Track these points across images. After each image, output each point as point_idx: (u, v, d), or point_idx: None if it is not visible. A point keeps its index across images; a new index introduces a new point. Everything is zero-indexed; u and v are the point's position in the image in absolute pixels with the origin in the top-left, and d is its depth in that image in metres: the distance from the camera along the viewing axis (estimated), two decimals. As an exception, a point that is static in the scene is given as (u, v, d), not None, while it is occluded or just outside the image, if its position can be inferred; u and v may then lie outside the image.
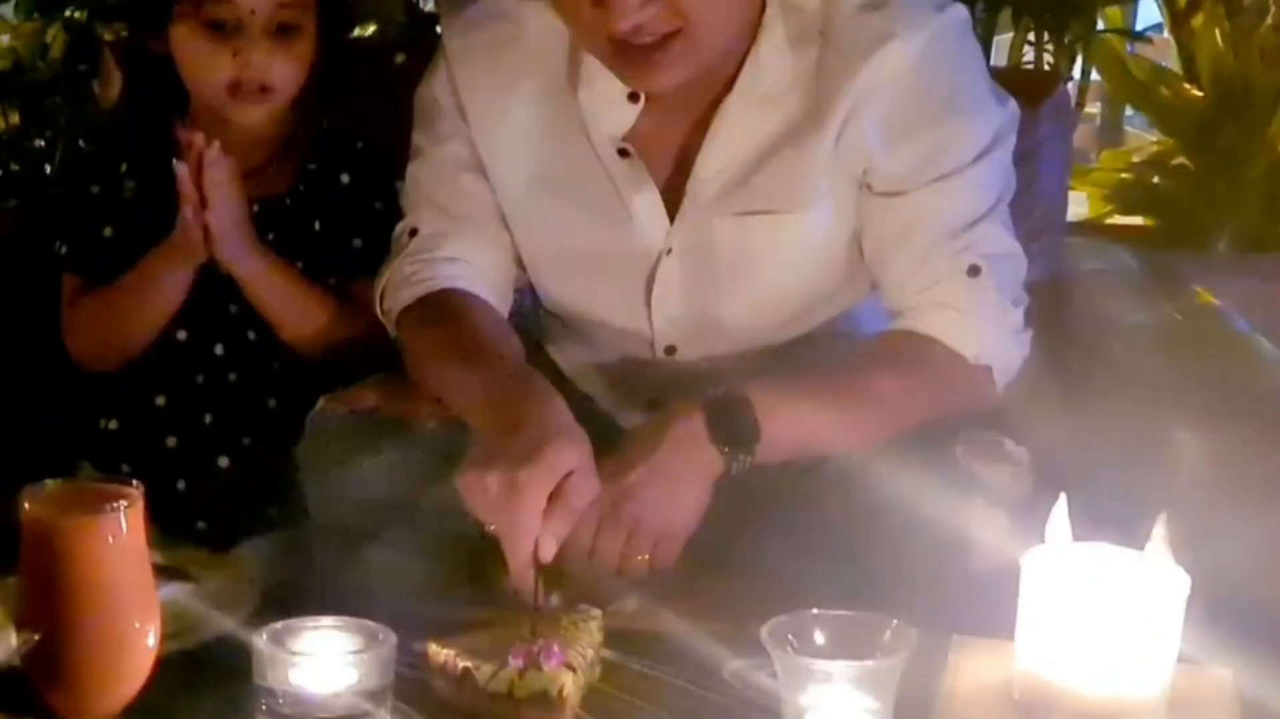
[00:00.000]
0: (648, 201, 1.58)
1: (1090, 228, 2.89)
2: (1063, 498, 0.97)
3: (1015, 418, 1.74)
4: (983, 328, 1.52)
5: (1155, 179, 2.90)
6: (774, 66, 1.53)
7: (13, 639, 1.01)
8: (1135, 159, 3.01)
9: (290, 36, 1.79)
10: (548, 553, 1.30)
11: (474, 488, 1.31)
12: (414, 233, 1.65)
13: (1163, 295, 2.30)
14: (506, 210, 1.64)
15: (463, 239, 1.63)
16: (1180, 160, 2.87)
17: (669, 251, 1.59)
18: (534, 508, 1.29)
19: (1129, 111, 3.61)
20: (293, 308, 1.79)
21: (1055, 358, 1.95)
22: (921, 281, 1.53)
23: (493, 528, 1.31)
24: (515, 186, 1.63)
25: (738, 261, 1.58)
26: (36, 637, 1.02)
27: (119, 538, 1.05)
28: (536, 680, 1.20)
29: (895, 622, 1.15)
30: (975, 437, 1.52)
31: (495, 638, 1.24)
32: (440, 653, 1.24)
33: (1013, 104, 1.59)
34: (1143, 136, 3.47)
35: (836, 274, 1.60)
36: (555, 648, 1.21)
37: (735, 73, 1.54)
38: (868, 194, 1.55)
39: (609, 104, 1.58)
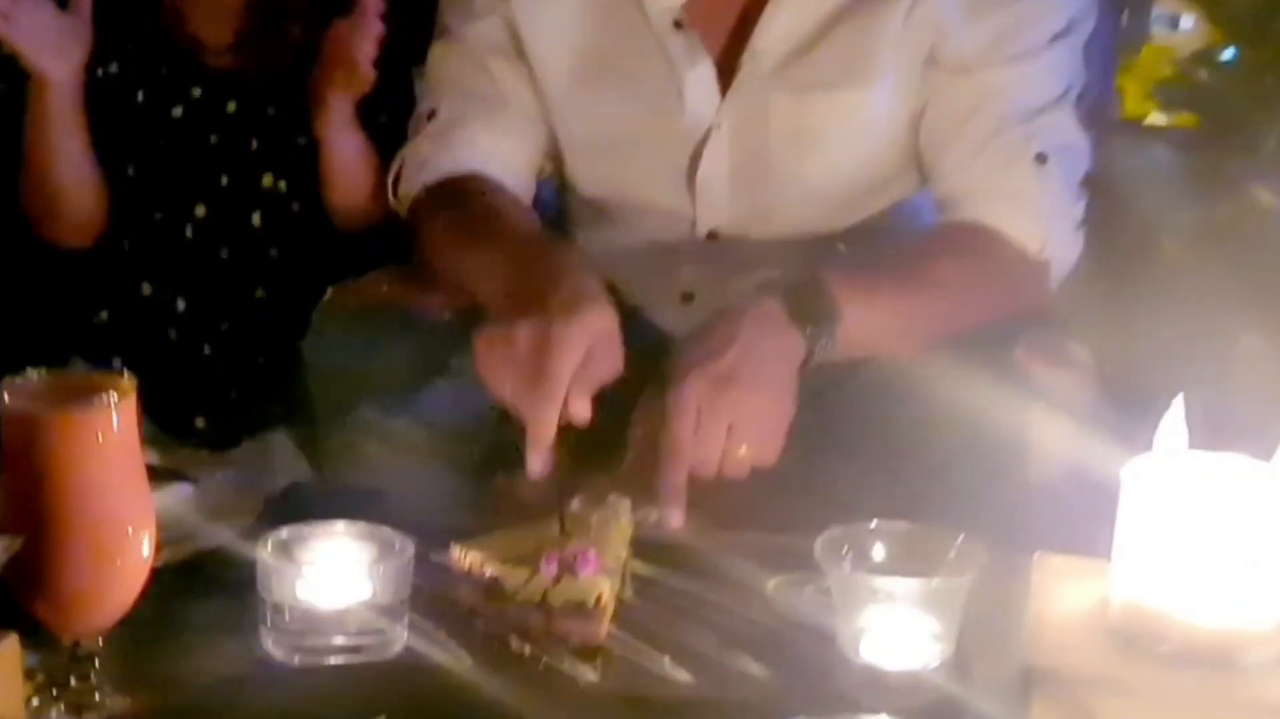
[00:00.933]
0: (702, 76, 1.50)
1: (1131, 127, 2.77)
2: (1179, 399, 0.86)
3: (1067, 320, 1.65)
4: (1048, 220, 1.45)
5: (1201, 74, 2.77)
6: None
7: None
8: (1178, 54, 2.87)
9: None
10: (582, 412, 1.20)
11: (495, 347, 1.22)
12: (432, 115, 1.56)
13: (1212, 193, 2.20)
14: (548, 92, 1.56)
15: (484, 123, 1.55)
16: (1229, 54, 2.73)
17: (718, 128, 1.50)
18: (566, 368, 1.20)
19: (1155, 11, 3.47)
20: (357, 172, 1.70)
21: (1103, 257, 1.85)
22: (985, 166, 1.45)
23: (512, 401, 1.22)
24: (560, 66, 1.54)
25: (792, 141, 1.50)
26: (19, 543, 0.91)
27: (109, 434, 0.94)
28: (572, 589, 1.09)
29: (962, 536, 1.05)
30: (1036, 339, 1.43)
31: (524, 541, 1.14)
32: (466, 558, 1.13)
33: None
34: (1167, 38, 3.34)
35: (894, 159, 1.52)
36: (591, 553, 1.11)
37: None
38: (935, 70, 1.48)
39: None
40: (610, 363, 1.24)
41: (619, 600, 1.13)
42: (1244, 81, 2.66)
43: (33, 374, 0.96)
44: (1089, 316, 1.66)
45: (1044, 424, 1.32)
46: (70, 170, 1.71)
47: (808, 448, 1.35)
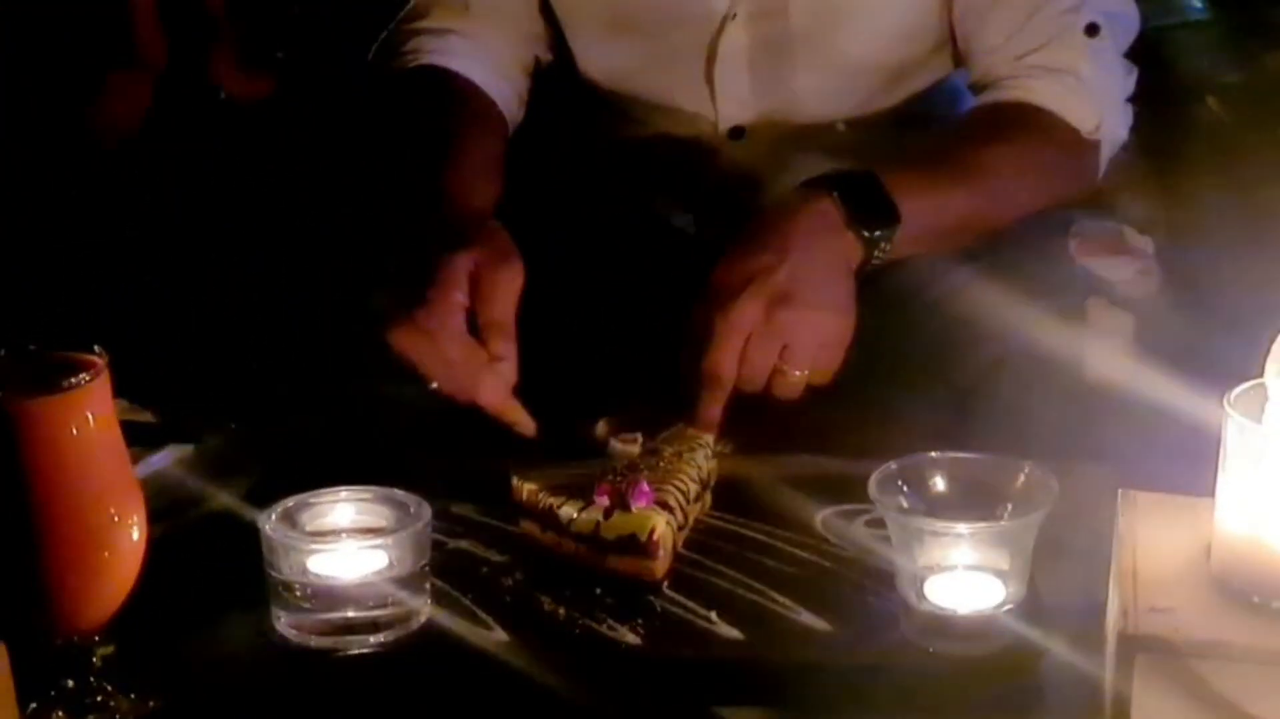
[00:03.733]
0: None
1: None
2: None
3: (1124, 205, 1.55)
4: (1102, 97, 1.34)
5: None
6: None
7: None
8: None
9: None
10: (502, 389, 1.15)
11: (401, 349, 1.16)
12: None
13: (1258, 48, 2.08)
14: None
15: (455, 8, 1.44)
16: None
17: (733, 17, 1.39)
18: (461, 355, 1.14)
19: None
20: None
21: (1140, 125, 1.74)
22: (1030, 40, 1.33)
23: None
24: None
25: (814, 23, 1.38)
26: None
27: (83, 418, 0.85)
28: (624, 523, 1.01)
29: (1028, 466, 0.96)
30: (1090, 227, 1.32)
31: (582, 472, 1.06)
32: (524, 487, 1.06)
33: None
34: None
35: (927, 33, 1.40)
36: (644, 484, 1.03)
37: None
38: None
39: None
40: (501, 299, 1.16)
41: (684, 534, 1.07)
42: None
43: (-5, 352, 0.87)
44: (1140, 192, 1.56)
45: (1101, 320, 1.22)
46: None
47: (864, 360, 1.25)
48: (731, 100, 1.42)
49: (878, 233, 1.20)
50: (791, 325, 1.13)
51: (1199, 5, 2.38)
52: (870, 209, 1.20)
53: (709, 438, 1.14)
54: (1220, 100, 1.90)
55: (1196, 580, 0.77)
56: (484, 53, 1.44)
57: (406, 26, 1.45)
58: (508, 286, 1.16)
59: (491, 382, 1.15)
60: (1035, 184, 1.31)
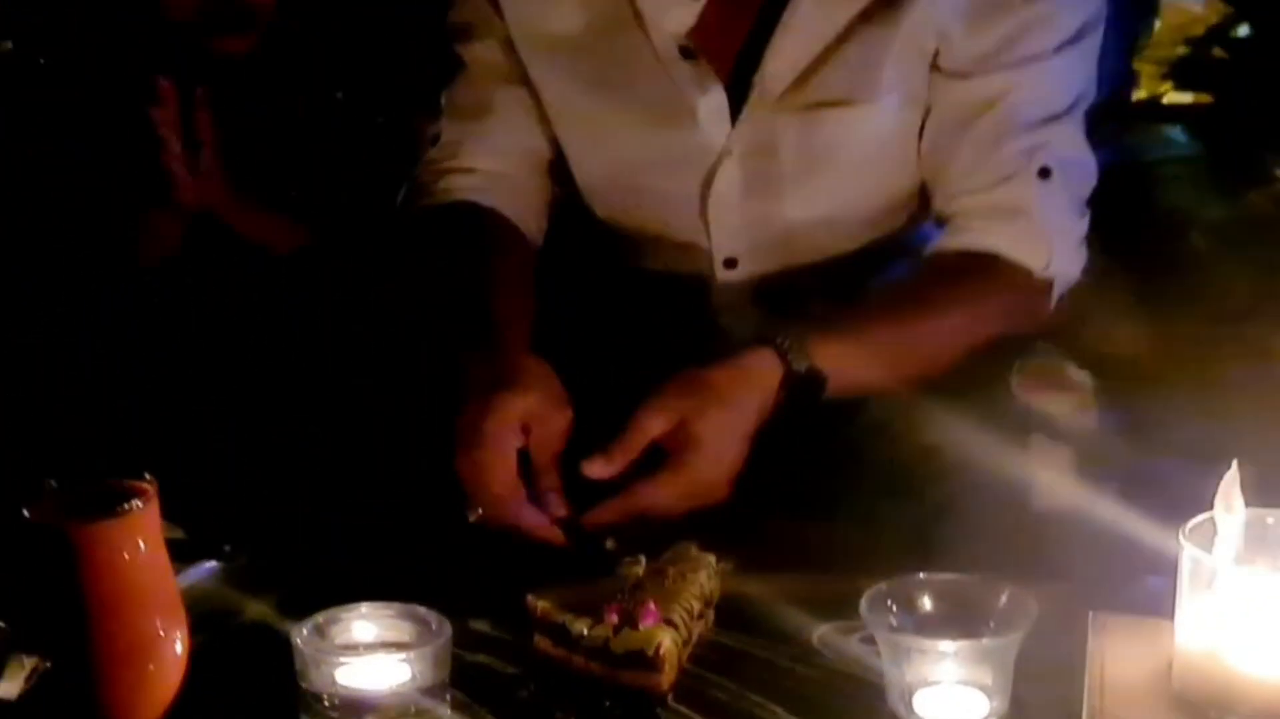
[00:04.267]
0: (713, 103, 1.47)
1: (1148, 107, 2.73)
2: (1234, 465, 0.83)
3: (1089, 332, 1.63)
4: (1053, 237, 1.42)
5: (1216, 51, 2.73)
6: None
7: (24, 667, 0.88)
8: (1192, 31, 2.83)
9: None
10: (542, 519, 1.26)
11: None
12: (435, 140, 1.57)
13: (1239, 182, 2.17)
14: (554, 118, 1.54)
15: (482, 148, 1.55)
16: (1242, 30, 2.70)
17: (729, 154, 1.48)
18: (510, 493, 1.25)
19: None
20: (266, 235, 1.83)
21: (1129, 259, 1.82)
22: (987, 178, 1.42)
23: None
24: (564, 92, 1.52)
25: (804, 161, 1.47)
26: (47, 664, 0.89)
27: (133, 542, 0.93)
28: (632, 639, 1.09)
29: (1008, 588, 1.03)
30: (1033, 363, 1.41)
31: (593, 591, 1.14)
32: (539, 604, 1.13)
33: None
34: (1181, 6, 3.30)
35: (905, 177, 1.49)
36: (651, 604, 1.10)
37: None
38: (937, 76, 1.44)
39: (670, 1, 1.46)
40: (548, 444, 1.28)
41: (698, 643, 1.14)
42: (1261, 59, 2.63)
43: (51, 485, 0.94)
44: (1106, 319, 1.63)
45: (1043, 452, 1.30)
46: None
47: (827, 483, 1.35)
48: (725, 232, 1.50)
49: (798, 411, 1.30)
50: (694, 474, 1.26)
51: (1187, 140, 2.48)
52: (803, 400, 1.31)
53: (711, 558, 1.21)
54: (1204, 235, 1.98)
55: (1160, 697, 0.83)
56: (510, 188, 1.53)
57: (438, 167, 1.55)
58: (559, 432, 1.28)
59: (532, 513, 1.26)
60: (980, 324, 1.39)
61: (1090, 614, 0.91)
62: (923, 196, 1.51)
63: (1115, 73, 2.03)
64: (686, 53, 1.46)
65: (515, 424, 1.27)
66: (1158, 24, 3.06)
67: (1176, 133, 2.56)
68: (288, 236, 1.83)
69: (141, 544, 0.93)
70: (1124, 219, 1.87)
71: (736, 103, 1.46)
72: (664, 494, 1.25)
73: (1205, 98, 2.78)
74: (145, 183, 1.81)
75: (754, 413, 1.29)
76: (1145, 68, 2.81)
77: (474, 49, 1.55)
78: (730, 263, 1.52)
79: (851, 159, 1.47)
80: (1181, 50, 2.80)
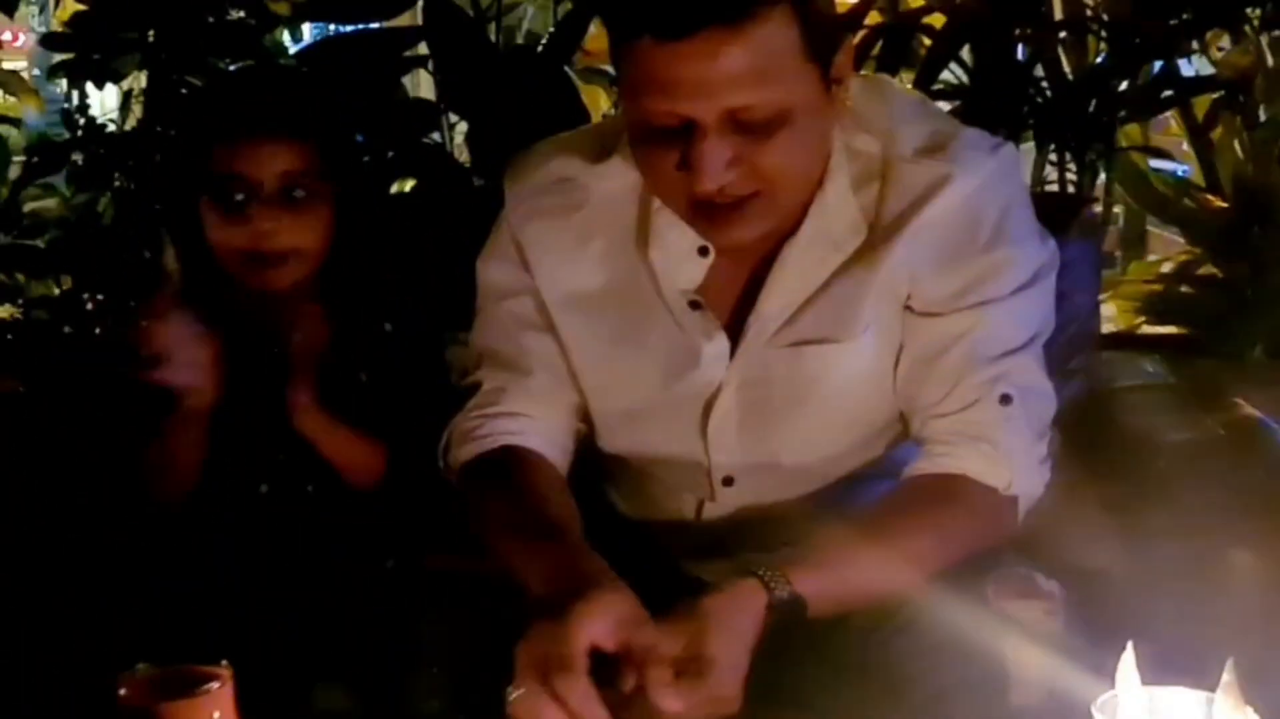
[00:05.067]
0: (717, 347, 1.64)
1: (1122, 339, 2.93)
2: (1130, 646, 1.00)
3: (1058, 541, 1.78)
4: (1013, 459, 1.57)
5: (1184, 289, 2.95)
6: (838, 211, 1.60)
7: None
8: (1164, 269, 3.05)
9: (302, 204, 1.85)
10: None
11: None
12: (476, 388, 1.70)
13: (1203, 408, 2.33)
14: (576, 367, 1.69)
15: (523, 394, 1.68)
16: (1208, 269, 2.91)
17: (727, 385, 1.64)
18: (577, 641, 1.35)
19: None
20: (353, 457, 1.88)
21: (1096, 477, 1.98)
22: (953, 404, 1.57)
23: None
24: (585, 343, 1.68)
25: (791, 391, 1.63)
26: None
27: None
28: None
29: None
30: (1006, 573, 1.56)
31: None
32: None
33: (1053, 244, 1.66)
34: (1168, 238, 3.53)
35: (884, 405, 1.64)
36: None
37: (799, 216, 1.60)
38: (910, 316, 1.61)
39: (680, 260, 1.64)
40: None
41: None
42: (1225, 295, 2.84)
43: (141, 667, 1.11)
44: (1076, 534, 1.79)
45: (1017, 654, 1.44)
46: (188, 467, 1.90)
47: (813, 679, 1.49)
48: (723, 453, 1.65)
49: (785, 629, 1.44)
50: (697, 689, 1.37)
51: (1159, 370, 2.66)
52: (787, 616, 1.45)
53: None
54: (1166, 458, 2.14)
55: None
56: (550, 432, 1.68)
57: (482, 413, 1.68)
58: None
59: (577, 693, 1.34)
60: (952, 548, 1.54)
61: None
62: (896, 426, 1.67)
63: (1083, 309, 2.23)
64: (694, 305, 1.64)
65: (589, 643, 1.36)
66: (1133, 264, 3.29)
67: (1150, 363, 2.73)
68: (371, 460, 1.88)
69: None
70: (1094, 441, 2.05)
71: (733, 341, 1.63)
72: (685, 707, 1.36)
73: (1179, 329, 2.99)
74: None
75: (750, 633, 1.43)
76: (1120, 304, 3.03)
77: (508, 305, 1.70)
78: (728, 481, 1.67)
79: (834, 389, 1.62)
80: (1154, 287, 3.02)
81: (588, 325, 1.68)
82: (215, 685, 1.09)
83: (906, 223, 1.58)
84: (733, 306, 1.65)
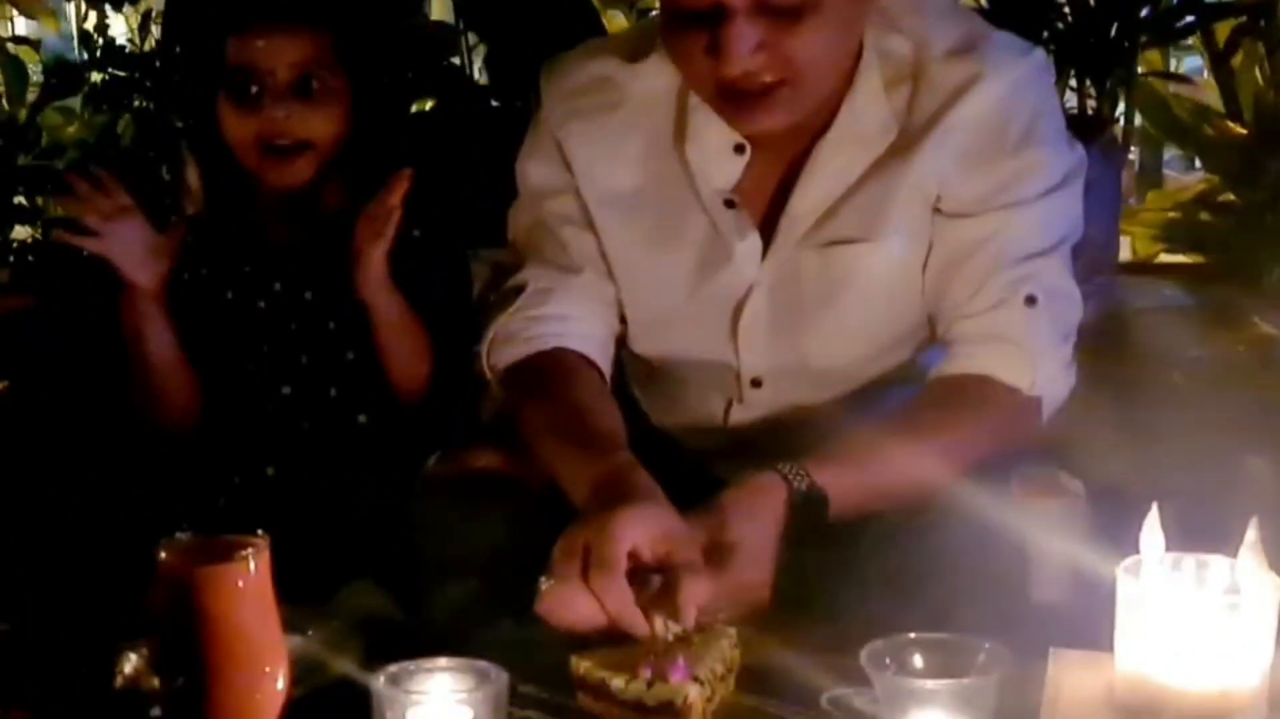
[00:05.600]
0: (750, 245, 1.64)
1: (1140, 267, 2.93)
2: (1154, 508, 1.01)
3: (1081, 452, 1.79)
4: (1036, 360, 1.57)
5: (1202, 216, 2.94)
6: (869, 110, 1.60)
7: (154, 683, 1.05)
8: (1181, 198, 3.05)
9: (315, 95, 1.86)
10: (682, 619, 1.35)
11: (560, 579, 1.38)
12: (519, 290, 1.70)
13: (1220, 329, 2.34)
14: (612, 261, 1.70)
15: (569, 294, 1.69)
16: (1226, 196, 2.91)
17: (758, 285, 1.65)
18: (618, 549, 1.35)
19: (1166, 155, 3.66)
20: (403, 336, 1.89)
21: (1116, 392, 2.00)
22: (980, 304, 1.58)
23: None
24: (622, 242, 1.69)
25: (821, 292, 1.64)
26: (180, 681, 1.06)
27: (248, 583, 1.10)
28: (663, 691, 1.27)
29: (988, 643, 1.19)
30: (1030, 472, 1.57)
31: (630, 652, 1.32)
32: (581, 664, 1.31)
33: (1081, 149, 1.66)
34: (1181, 179, 3.52)
35: (913, 306, 1.65)
36: (681, 662, 1.28)
37: (831, 115, 1.61)
38: (939, 217, 1.61)
39: (717, 158, 1.64)
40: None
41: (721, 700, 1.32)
42: (1243, 221, 2.84)
43: (181, 536, 1.13)
44: (1099, 446, 1.80)
45: (1040, 549, 1.46)
46: (163, 365, 1.91)
47: (840, 581, 1.50)
48: (752, 354, 1.67)
49: (805, 522, 1.46)
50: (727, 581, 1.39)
51: (1176, 293, 2.67)
52: (807, 520, 1.46)
53: (732, 630, 1.38)
54: (1184, 373, 2.16)
55: (1103, 706, 0.99)
56: (594, 333, 1.68)
57: (525, 315, 1.68)
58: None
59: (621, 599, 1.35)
60: (975, 441, 1.54)
61: (1050, 650, 1.07)
62: (925, 329, 1.67)
63: (1102, 231, 2.23)
64: (729, 203, 1.64)
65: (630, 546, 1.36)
66: (1151, 191, 3.29)
67: (1169, 287, 2.74)
68: (423, 348, 1.89)
69: (253, 588, 1.10)
70: (1113, 359, 2.06)
71: (765, 242, 1.64)
72: (711, 594, 1.37)
73: (1196, 258, 2.99)
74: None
75: (772, 522, 1.44)
76: (1138, 230, 3.03)
77: (551, 203, 1.71)
78: (757, 382, 1.68)
79: (864, 290, 1.63)
80: (1172, 215, 3.02)
81: (625, 224, 1.69)
82: (250, 552, 1.10)
83: (937, 122, 1.59)
84: (766, 207, 1.65)
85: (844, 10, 1.52)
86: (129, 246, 1.85)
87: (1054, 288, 1.60)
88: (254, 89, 1.85)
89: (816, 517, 1.47)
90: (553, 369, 1.65)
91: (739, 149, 1.63)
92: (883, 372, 1.68)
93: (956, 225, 1.61)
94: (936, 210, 1.62)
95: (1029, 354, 1.57)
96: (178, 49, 2.90)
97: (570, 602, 1.36)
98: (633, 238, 1.68)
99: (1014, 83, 1.60)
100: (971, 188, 1.60)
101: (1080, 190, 1.66)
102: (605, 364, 1.69)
